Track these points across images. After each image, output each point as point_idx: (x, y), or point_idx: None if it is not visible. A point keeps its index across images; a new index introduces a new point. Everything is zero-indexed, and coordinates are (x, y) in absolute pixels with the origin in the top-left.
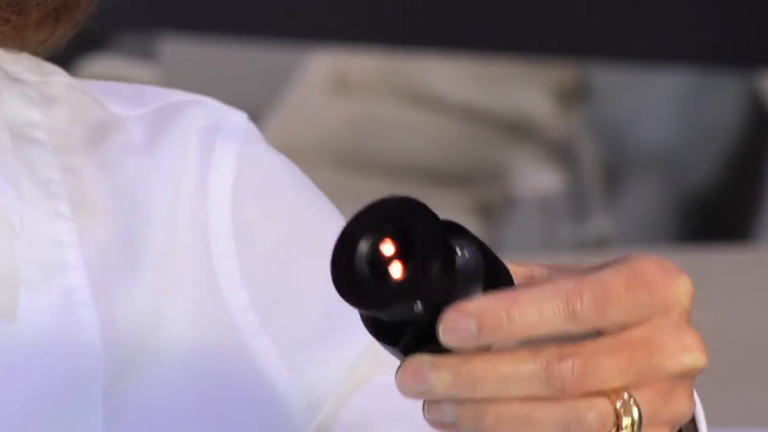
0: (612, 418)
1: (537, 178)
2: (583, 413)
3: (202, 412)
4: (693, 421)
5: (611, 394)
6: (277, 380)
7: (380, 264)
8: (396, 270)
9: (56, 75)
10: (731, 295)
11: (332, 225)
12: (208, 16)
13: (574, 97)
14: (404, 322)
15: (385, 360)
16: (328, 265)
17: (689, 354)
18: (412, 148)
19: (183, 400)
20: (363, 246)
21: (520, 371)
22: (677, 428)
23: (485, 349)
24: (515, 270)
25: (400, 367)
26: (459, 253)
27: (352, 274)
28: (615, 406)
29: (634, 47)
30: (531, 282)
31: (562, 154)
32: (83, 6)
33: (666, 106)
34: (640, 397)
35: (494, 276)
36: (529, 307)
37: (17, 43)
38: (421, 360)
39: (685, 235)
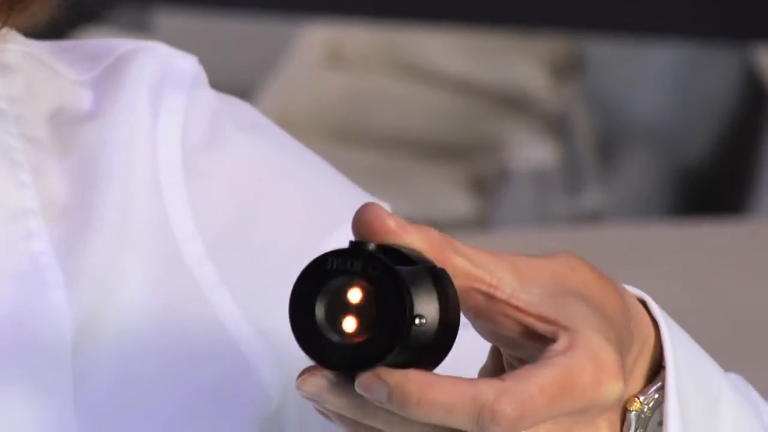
0: None
1: (531, 152)
2: None
3: (166, 365)
4: None
5: None
6: (237, 332)
7: (339, 308)
8: (349, 325)
9: (13, 43)
10: (726, 267)
11: (284, 163)
12: None
13: (569, 70)
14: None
15: None
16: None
17: (602, 388)
18: (407, 121)
19: (147, 355)
20: (334, 284)
21: None
22: None
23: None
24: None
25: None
26: (417, 321)
27: (307, 297)
28: None
29: (629, 20)
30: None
31: (557, 127)
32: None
33: (660, 79)
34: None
35: (440, 343)
36: (440, 402)
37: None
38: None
39: (679, 208)
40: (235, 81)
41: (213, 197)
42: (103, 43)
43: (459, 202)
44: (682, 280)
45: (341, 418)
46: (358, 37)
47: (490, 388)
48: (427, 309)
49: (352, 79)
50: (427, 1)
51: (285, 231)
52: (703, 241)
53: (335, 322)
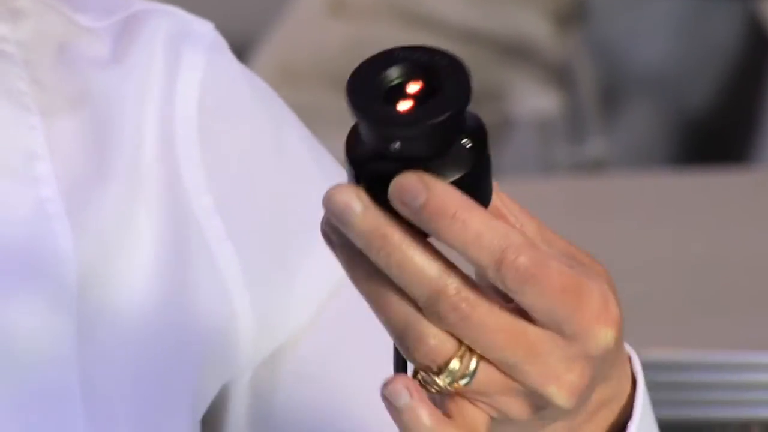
0: (444, 355)
1: (534, 100)
2: (425, 331)
3: (168, 316)
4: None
5: (465, 347)
6: (234, 294)
7: (396, 93)
8: (404, 106)
9: None
10: (730, 216)
11: (294, 137)
12: None
13: (572, 18)
14: (376, 155)
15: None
16: (290, 180)
17: (555, 388)
18: None
19: (151, 305)
20: (394, 71)
21: (427, 270)
22: None
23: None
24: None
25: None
26: (464, 141)
27: (367, 81)
28: (458, 353)
29: None
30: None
31: (560, 76)
32: None
33: (664, 28)
34: (484, 368)
35: (476, 184)
36: (474, 225)
37: None
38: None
39: (682, 157)
40: (236, 31)
41: (224, 156)
42: None
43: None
44: (686, 229)
45: (347, 251)
46: None
47: (522, 236)
48: (474, 137)
49: (355, 28)
50: None
51: (284, 198)
52: (707, 190)
53: (392, 99)
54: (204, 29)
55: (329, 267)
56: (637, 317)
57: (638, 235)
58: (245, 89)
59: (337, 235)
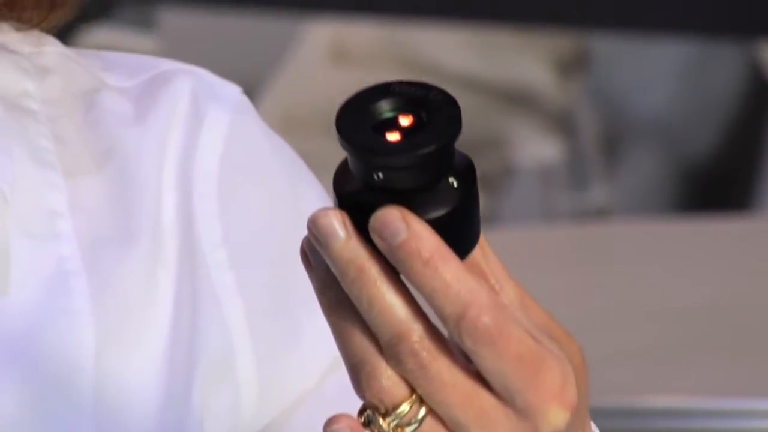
0: (394, 399)
1: (537, 148)
2: (380, 370)
3: (179, 377)
4: None
5: (417, 396)
6: (239, 349)
7: (386, 126)
8: (392, 137)
9: (50, 45)
10: (732, 264)
11: (311, 200)
12: None
13: (574, 66)
14: (361, 185)
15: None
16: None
17: None
18: None
19: (165, 364)
20: (386, 104)
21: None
22: None
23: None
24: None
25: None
26: (451, 179)
27: (359, 111)
28: (409, 399)
29: (634, 17)
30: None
31: (562, 123)
32: None
33: (666, 76)
34: (431, 421)
35: (458, 224)
36: (445, 275)
37: (13, 19)
38: (394, 214)
39: (684, 204)
40: (239, 78)
41: (242, 213)
42: (143, 58)
43: None
44: (688, 277)
45: (321, 275)
46: (363, 34)
47: (490, 297)
48: (461, 177)
49: (357, 76)
50: None
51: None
52: (709, 238)
53: (382, 131)
54: (230, 91)
55: (329, 339)
56: (639, 364)
57: (640, 282)
58: (267, 149)
59: (314, 257)
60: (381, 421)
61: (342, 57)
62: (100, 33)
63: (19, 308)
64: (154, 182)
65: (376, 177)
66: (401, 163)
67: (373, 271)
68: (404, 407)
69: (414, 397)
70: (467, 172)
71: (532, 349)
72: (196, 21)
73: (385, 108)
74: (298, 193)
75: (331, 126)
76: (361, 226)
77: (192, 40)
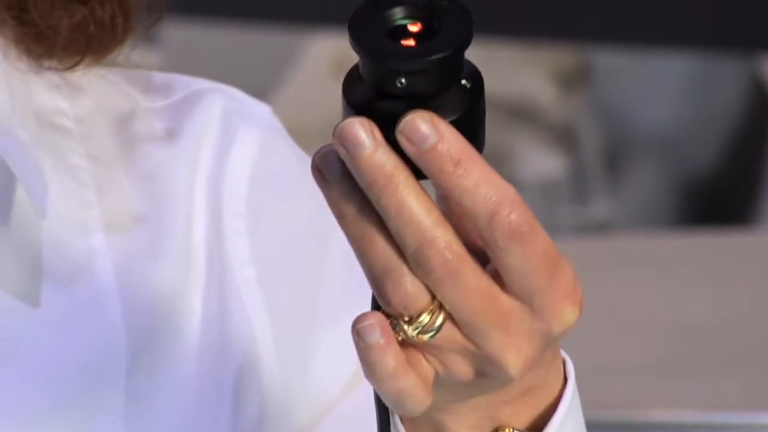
0: (418, 305)
1: (538, 162)
2: (406, 276)
3: (209, 391)
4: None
5: (437, 303)
6: (266, 363)
7: (398, 33)
8: (407, 42)
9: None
10: (733, 278)
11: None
12: (210, 1)
13: (576, 81)
14: (380, 93)
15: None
16: (329, 263)
17: (512, 358)
18: None
19: (195, 380)
20: (395, 12)
21: (422, 220)
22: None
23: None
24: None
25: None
26: (464, 81)
27: (369, 20)
28: (431, 305)
29: (636, 31)
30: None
31: (564, 137)
32: (120, 40)
33: (667, 90)
34: (448, 326)
35: (474, 124)
36: (476, 172)
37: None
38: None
39: (686, 219)
40: (243, 91)
41: (269, 231)
42: (176, 77)
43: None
44: (690, 291)
45: (340, 188)
46: None
47: (517, 194)
48: (472, 79)
49: None
50: None
51: (322, 279)
52: (711, 252)
53: (397, 37)
54: (261, 110)
55: (345, 360)
56: (640, 378)
57: (642, 296)
58: (297, 171)
59: (330, 170)
60: (406, 327)
61: (344, 71)
62: None
63: (51, 322)
64: (185, 200)
65: (398, 83)
66: (423, 68)
67: (401, 177)
68: (425, 316)
69: (435, 303)
70: (476, 75)
71: (553, 248)
72: (200, 35)
73: (395, 16)
74: (325, 213)
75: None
76: (383, 133)
77: (195, 54)
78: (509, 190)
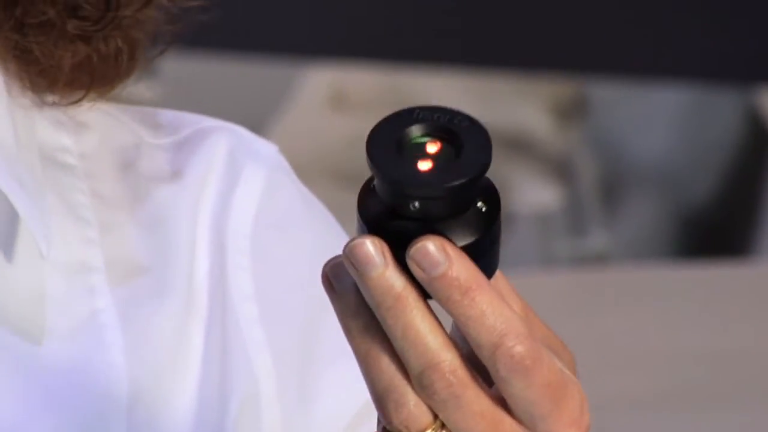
0: (420, 425)
1: (535, 194)
2: (408, 396)
3: (211, 429)
4: None
5: (440, 423)
6: (266, 402)
7: (416, 152)
8: (424, 166)
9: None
10: (730, 310)
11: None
12: (207, 33)
13: (572, 113)
14: (392, 213)
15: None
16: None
17: None
18: None
19: (194, 419)
20: (414, 130)
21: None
22: None
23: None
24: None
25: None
26: (479, 204)
27: (387, 139)
28: (434, 425)
29: (633, 63)
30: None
31: (561, 169)
32: (125, 74)
33: (664, 122)
34: None
35: (488, 248)
36: (481, 306)
37: (47, 93)
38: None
39: (683, 251)
40: (239, 124)
41: (273, 270)
42: (182, 115)
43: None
44: (687, 323)
45: (347, 301)
46: (362, 80)
47: (523, 325)
48: (488, 202)
49: (356, 122)
50: (430, 44)
51: (323, 322)
52: (707, 284)
53: (414, 159)
54: (267, 150)
55: (349, 396)
56: (637, 410)
57: (639, 328)
58: (301, 208)
59: (340, 283)
60: None
61: (341, 103)
62: None
63: (53, 359)
64: (188, 237)
65: (412, 207)
66: (437, 195)
67: (410, 299)
68: None
69: (437, 423)
70: (492, 195)
71: (558, 377)
72: (197, 67)
73: (413, 135)
74: (329, 254)
75: (332, 171)
76: (393, 252)
77: (192, 86)
78: (515, 321)
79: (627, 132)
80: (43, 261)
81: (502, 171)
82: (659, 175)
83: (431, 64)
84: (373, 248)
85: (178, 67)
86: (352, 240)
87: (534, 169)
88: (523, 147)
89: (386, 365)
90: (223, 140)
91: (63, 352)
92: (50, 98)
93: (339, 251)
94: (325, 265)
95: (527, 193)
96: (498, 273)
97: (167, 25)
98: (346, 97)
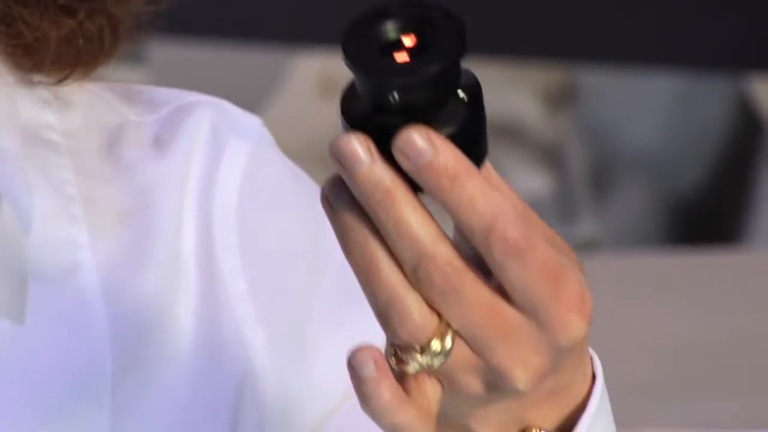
0: (427, 333)
1: (524, 181)
2: (411, 305)
3: (202, 406)
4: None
5: (444, 324)
6: (262, 375)
7: (392, 47)
8: (401, 58)
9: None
10: (719, 296)
11: (330, 237)
12: (196, 20)
13: (563, 100)
14: (375, 108)
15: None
16: (323, 272)
17: (521, 372)
18: None
19: (186, 394)
20: (388, 26)
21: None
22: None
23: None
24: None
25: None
26: (461, 94)
27: (362, 36)
28: (439, 329)
29: (622, 50)
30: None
31: (551, 157)
32: (109, 53)
33: (654, 109)
34: (458, 346)
35: (472, 137)
36: (471, 191)
37: (32, 72)
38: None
39: (673, 237)
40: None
41: (261, 244)
42: (165, 91)
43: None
44: (677, 309)
45: (346, 217)
46: None
47: (514, 209)
48: (469, 91)
49: None
50: None
51: (316, 290)
52: (697, 271)
53: (390, 52)
54: (251, 123)
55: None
56: (628, 398)
57: (629, 316)
58: (289, 183)
59: (337, 200)
60: (420, 357)
61: (330, 89)
62: None
63: (36, 338)
64: (173, 214)
65: (392, 99)
66: (416, 83)
67: (399, 192)
68: (435, 343)
69: (443, 326)
70: (474, 84)
71: (554, 259)
72: (186, 54)
73: (387, 30)
74: (318, 224)
75: (322, 157)
76: (380, 147)
77: (182, 73)
78: (506, 205)
79: (617, 119)
80: (25, 238)
81: (491, 158)
82: (649, 162)
83: None
84: (358, 144)
85: (168, 54)
86: (337, 138)
87: (524, 157)
88: (513, 134)
89: (385, 276)
90: (206, 115)
91: (47, 331)
92: (36, 77)
93: (325, 222)
94: (324, 185)
95: (517, 180)
96: (491, 171)
97: (149, 5)
98: (336, 84)
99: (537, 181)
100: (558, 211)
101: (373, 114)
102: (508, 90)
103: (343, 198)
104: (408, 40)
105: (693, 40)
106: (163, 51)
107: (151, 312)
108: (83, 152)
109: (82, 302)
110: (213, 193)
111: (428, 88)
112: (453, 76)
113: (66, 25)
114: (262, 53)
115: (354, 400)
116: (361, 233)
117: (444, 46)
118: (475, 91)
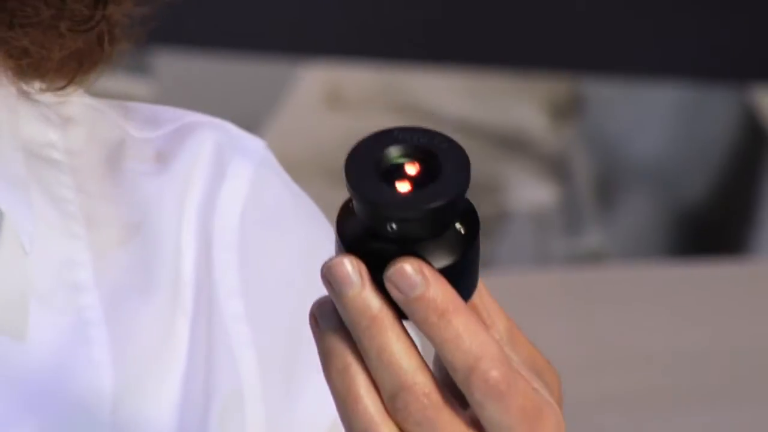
0: None
1: (530, 192)
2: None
3: (195, 426)
4: None
5: None
6: (250, 399)
7: (394, 173)
8: (403, 188)
9: (74, 95)
10: (726, 308)
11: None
12: (202, 31)
13: (568, 111)
14: (371, 234)
15: None
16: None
17: None
18: None
19: (183, 413)
20: (392, 152)
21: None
22: None
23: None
24: (489, 303)
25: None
26: (458, 226)
27: (365, 160)
28: None
29: (628, 61)
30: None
31: (556, 168)
32: (108, 56)
33: (660, 120)
34: None
35: (466, 271)
36: (456, 328)
37: (35, 80)
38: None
39: (678, 249)
40: (234, 123)
41: (260, 266)
42: (168, 109)
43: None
44: (682, 321)
45: (331, 338)
46: (357, 78)
47: (498, 349)
48: (466, 222)
49: (352, 121)
50: (426, 42)
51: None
52: (703, 282)
53: (392, 180)
54: (254, 144)
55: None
56: (632, 408)
57: (634, 327)
58: (288, 204)
59: (324, 320)
60: None
61: (337, 101)
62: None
63: (37, 356)
64: (174, 232)
65: (389, 228)
66: (415, 217)
67: (386, 321)
68: None
69: None
70: (471, 217)
71: (534, 401)
72: (192, 66)
73: (391, 156)
74: (317, 250)
75: (327, 169)
76: (372, 271)
77: (187, 84)
78: (490, 345)
79: (623, 130)
80: (25, 257)
81: (496, 169)
82: (655, 173)
83: (427, 63)
84: (350, 268)
85: (173, 65)
86: (330, 259)
87: (529, 168)
88: (518, 145)
89: (363, 405)
90: (210, 135)
91: (47, 350)
92: (38, 85)
93: (327, 246)
94: (314, 304)
95: (522, 192)
96: (484, 290)
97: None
98: (342, 96)
99: (543, 192)
100: (564, 222)
101: (368, 238)
102: (514, 101)
103: (330, 319)
104: (411, 168)
105: (699, 52)
106: (169, 63)
107: (151, 333)
108: (85, 169)
109: (82, 321)
110: (214, 212)
111: (427, 222)
112: (453, 211)
113: (70, 44)
114: (268, 65)
115: (340, 428)
116: (343, 359)
117: (448, 182)
118: (472, 222)
